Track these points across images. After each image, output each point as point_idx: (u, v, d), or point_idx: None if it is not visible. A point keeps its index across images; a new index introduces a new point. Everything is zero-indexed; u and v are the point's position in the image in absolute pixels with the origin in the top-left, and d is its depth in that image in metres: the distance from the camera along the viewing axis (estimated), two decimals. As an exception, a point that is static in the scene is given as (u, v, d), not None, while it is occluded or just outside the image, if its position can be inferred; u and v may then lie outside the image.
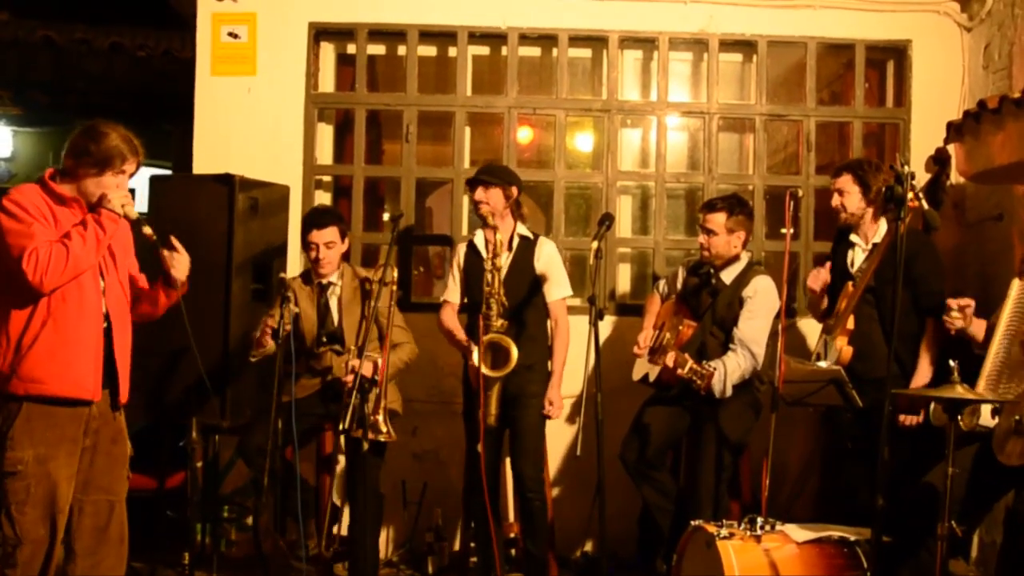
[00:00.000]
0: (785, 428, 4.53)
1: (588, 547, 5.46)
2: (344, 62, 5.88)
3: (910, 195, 3.19)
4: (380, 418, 4.24)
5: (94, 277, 3.46)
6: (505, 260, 4.67)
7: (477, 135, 6.12)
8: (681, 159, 6.04)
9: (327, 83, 5.79)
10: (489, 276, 4.50)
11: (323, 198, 5.73)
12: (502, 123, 5.68)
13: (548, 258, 4.70)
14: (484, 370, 4.46)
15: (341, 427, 4.18)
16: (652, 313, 4.97)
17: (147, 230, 3.53)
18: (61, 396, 3.37)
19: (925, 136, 5.48)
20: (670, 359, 4.41)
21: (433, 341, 5.38)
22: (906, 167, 3.23)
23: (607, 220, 4.26)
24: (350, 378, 4.16)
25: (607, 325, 5.40)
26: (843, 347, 4.25)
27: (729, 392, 4.45)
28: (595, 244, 4.08)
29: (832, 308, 4.43)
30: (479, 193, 4.64)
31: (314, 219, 4.68)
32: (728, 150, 6.03)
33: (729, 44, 5.71)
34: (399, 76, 5.72)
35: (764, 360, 4.54)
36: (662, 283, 5.09)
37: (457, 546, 5.27)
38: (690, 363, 4.30)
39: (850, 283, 4.28)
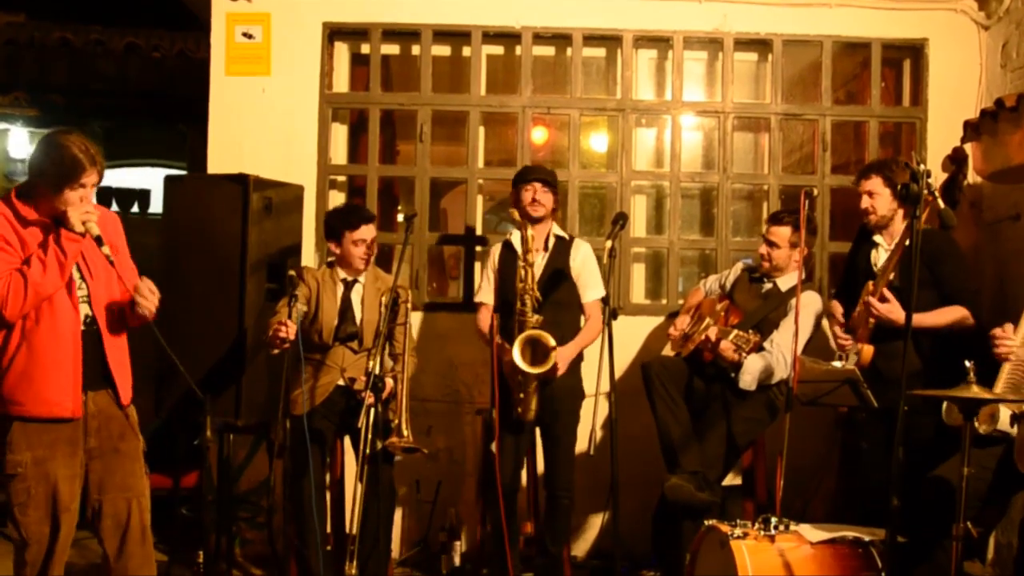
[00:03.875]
0: (801, 428, 4.51)
1: (601, 546, 5.44)
2: (358, 62, 5.89)
3: (926, 193, 3.15)
4: (404, 433, 4.28)
5: (67, 289, 3.40)
6: (540, 260, 4.69)
7: (491, 135, 6.12)
8: (696, 159, 6.02)
9: (341, 83, 5.80)
10: (523, 272, 4.49)
11: (337, 198, 5.74)
12: (516, 123, 5.68)
13: (584, 259, 4.71)
14: (523, 366, 4.44)
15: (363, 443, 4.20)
16: (691, 303, 4.98)
17: (105, 251, 3.39)
18: (40, 417, 3.36)
19: (942, 135, 5.45)
20: (713, 332, 4.46)
21: (448, 341, 5.41)
22: (922, 165, 3.20)
23: (621, 219, 4.26)
24: (370, 398, 4.12)
25: (621, 325, 5.36)
26: (864, 347, 4.22)
27: (754, 385, 4.44)
28: (609, 243, 4.07)
29: (854, 305, 4.40)
30: (539, 193, 4.66)
31: (363, 215, 4.69)
32: (743, 150, 6.01)
33: (744, 43, 5.70)
34: (413, 76, 5.72)
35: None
36: (710, 280, 5.09)
37: (471, 545, 5.27)
38: (735, 331, 4.33)
39: (871, 282, 4.25)
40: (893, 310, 4.10)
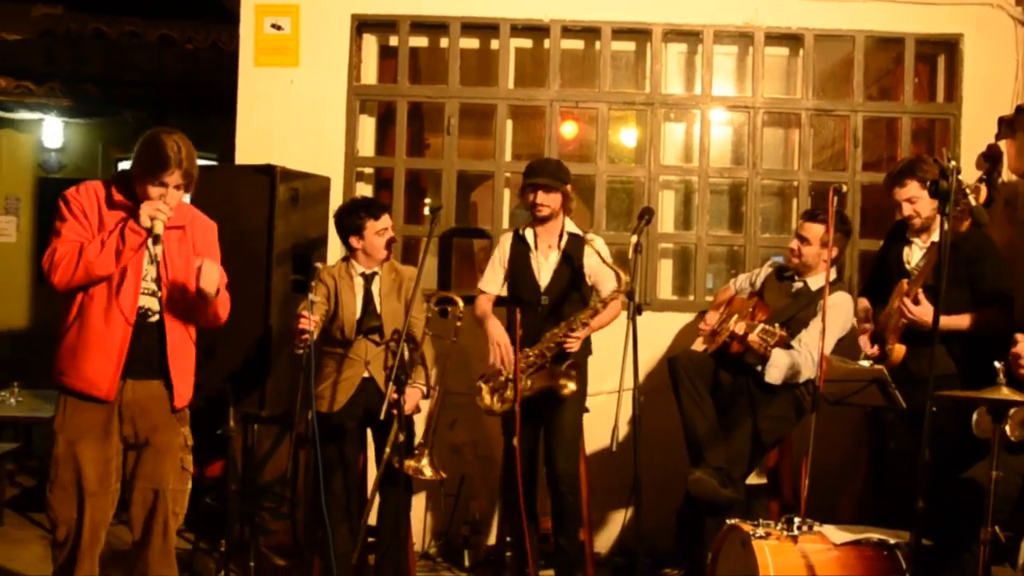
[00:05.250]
0: (829, 427, 4.46)
1: (624, 542, 5.41)
2: (386, 54, 5.88)
3: (970, 193, 3.09)
4: (425, 462, 4.30)
5: (134, 280, 3.47)
6: (554, 257, 4.68)
7: (519, 128, 6.08)
8: (725, 154, 5.97)
9: (369, 75, 5.80)
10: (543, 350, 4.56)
11: (364, 190, 5.74)
12: (544, 116, 5.65)
13: (597, 257, 4.66)
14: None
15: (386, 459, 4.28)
16: (721, 300, 4.94)
17: (157, 249, 3.46)
18: (76, 391, 3.46)
19: (976, 132, 5.38)
20: (740, 326, 4.42)
21: (473, 335, 5.37)
22: (952, 161, 3.14)
23: (647, 214, 4.21)
24: (395, 411, 4.14)
25: (646, 321, 5.33)
26: (895, 346, 4.16)
27: (781, 379, 4.40)
28: (634, 238, 4.04)
29: (881, 304, 4.35)
30: (540, 197, 4.62)
31: (383, 204, 4.69)
32: (773, 145, 5.94)
33: (775, 37, 5.64)
34: (441, 68, 5.71)
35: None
36: (740, 278, 5.04)
37: (493, 540, 5.26)
38: (762, 325, 4.29)
39: (905, 281, 4.18)
40: (927, 312, 4.03)
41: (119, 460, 3.54)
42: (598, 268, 4.65)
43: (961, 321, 4.11)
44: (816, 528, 3.61)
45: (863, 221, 5.57)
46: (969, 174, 4.97)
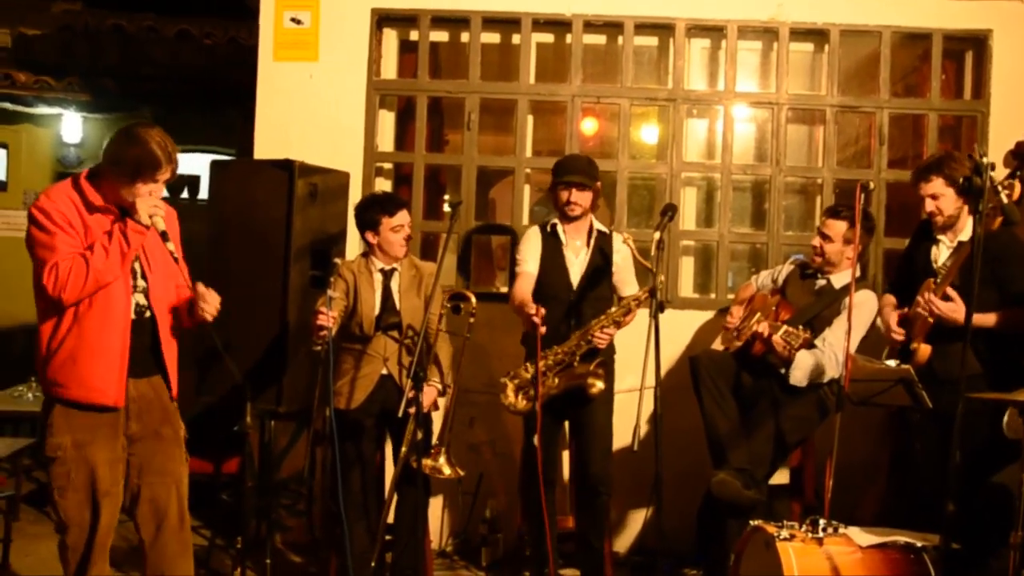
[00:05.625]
0: (852, 427, 4.40)
1: (644, 542, 5.36)
2: (407, 49, 5.84)
3: (1003, 191, 3.02)
4: (443, 460, 4.27)
5: (125, 282, 3.42)
6: (584, 255, 4.64)
7: (540, 124, 6.03)
8: (748, 151, 5.90)
9: (389, 70, 5.75)
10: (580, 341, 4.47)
11: (383, 185, 5.69)
12: (565, 112, 5.59)
13: (626, 253, 4.59)
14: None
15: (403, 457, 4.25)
16: (743, 297, 4.87)
17: (170, 246, 3.44)
18: (82, 402, 3.37)
19: (1004, 129, 5.31)
20: (764, 327, 4.35)
21: (490, 331, 5.33)
22: (984, 158, 3.07)
23: (670, 211, 4.15)
24: (412, 409, 4.11)
25: (667, 319, 5.26)
26: (921, 346, 4.09)
27: (805, 382, 4.33)
28: (657, 235, 3.98)
29: (907, 303, 4.27)
30: (575, 195, 4.57)
31: (399, 200, 4.63)
32: (797, 142, 5.87)
33: (800, 33, 5.57)
34: (462, 63, 5.67)
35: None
36: (763, 275, 4.96)
37: (512, 538, 5.21)
38: (785, 327, 4.23)
39: (932, 280, 4.11)
40: (957, 309, 3.96)
41: (125, 458, 3.49)
42: (624, 266, 4.59)
43: (987, 319, 4.03)
44: (841, 530, 3.54)
45: (888, 219, 5.49)
46: (997, 172, 4.91)
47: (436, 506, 5.32)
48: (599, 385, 4.40)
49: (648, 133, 6.56)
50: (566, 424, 4.71)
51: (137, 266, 3.47)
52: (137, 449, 3.50)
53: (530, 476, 4.49)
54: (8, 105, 9.33)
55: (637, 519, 5.31)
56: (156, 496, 3.53)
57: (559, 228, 4.68)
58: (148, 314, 3.49)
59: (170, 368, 3.57)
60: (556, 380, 4.46)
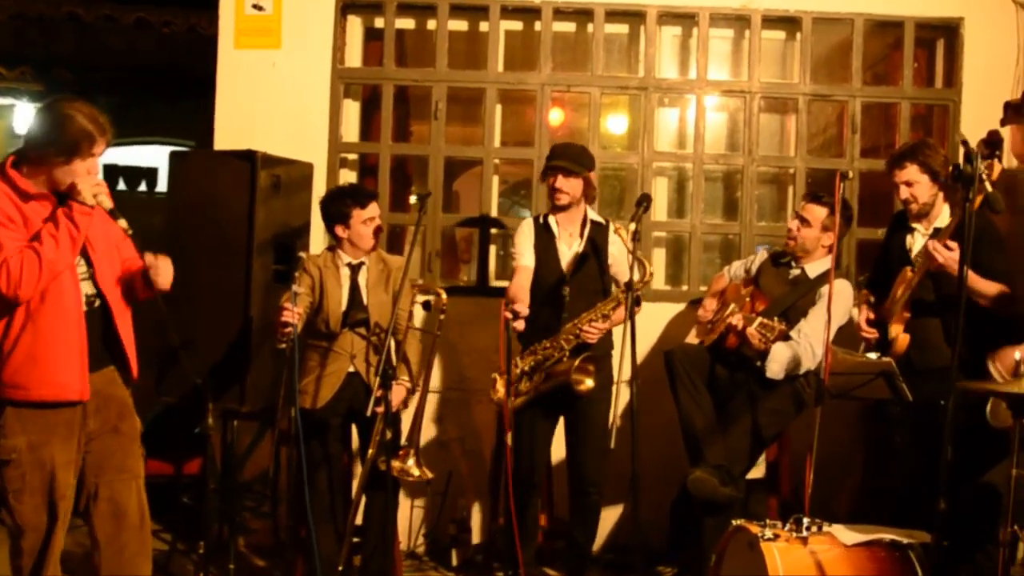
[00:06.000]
0: (825, 420, 4.29)
1: (618, 539, 5.26)
2: (372, 36, 5.68)
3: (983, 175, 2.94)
4: (411, 462, 4.15)
5: (71, 270, 3.26)
6: (577, 246, 4.51)
7: (508, 114, 5.89)
8: (720, 140, 5.82)
9: (354, 58, 5.60)
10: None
11: (348, 176, 5.55)
12: (534, 101, 5.47)
13: (621, 244, 4.48)
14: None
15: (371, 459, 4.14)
16: (716, 288, 4.77)
17: (122, 223, 3.28)
18: (46, 401, 3.23)
19: (976, 118, 5.27)
20: (737, 319, 4.25)
21: (460, 326, 5.22)
22: (971, 145, 2.99)
23: (645, 201, 4.05)
24: (380, 409, 3.99)
25: (639, 312, 5.19)
26: (899, 336, 4.02)
27: (782, 374, 4.24)
28: (633, 226, 3.89)
29: (886, 295, 4.21)
30: (560, 181, 4.44)
31: (369, 192, 4.52)
32: (768, 131, 5.79)
33: (772, 20, 5.48)
34: (428, 51, 5.52)
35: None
36: (735, 265, 4.87)
37: (481, 538, 5.11)
38: (760, 319, 4.13)
39: (908, 269, 4.04)
40: (955, 258, 3.81)
41: (80, 459, 3.34)
42: (620, 257, 4.47)
43: (989, 288, 3.94)
44: (825, 528, 3.46)
45: (860, 209, 5.42)
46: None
47: (404, 506, 5.20)
48: (587, 383, 4.29)
49: (618, 122, 6.46)
50: (562, 420, 4.59)
51: (81, 256, 3.31)
52: (95, 447, 3.36)
53: (500, 477, 4.38)
54: (-43, 95, 9.07)
55: (610, 516, 5.21)
56: (116, 494, 3.39)
57: (551, 219, 4.55)
58: (98, 303, 3.34)
59: (129, 352, 3.42)
60: (543, 376, 4.34)
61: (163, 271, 3.36)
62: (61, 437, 3.26)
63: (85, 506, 3.39)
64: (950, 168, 3.62)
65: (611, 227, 4.46)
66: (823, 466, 4.71)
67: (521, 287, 4.42)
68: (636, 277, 4.14)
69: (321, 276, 4.40)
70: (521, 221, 4.80)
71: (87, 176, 3.19)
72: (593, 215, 4.57)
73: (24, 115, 9.47)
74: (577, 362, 4.26)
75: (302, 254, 4.28)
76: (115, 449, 3.40)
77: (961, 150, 2.99)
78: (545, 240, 4.53)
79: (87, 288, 3.33)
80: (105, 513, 3.39)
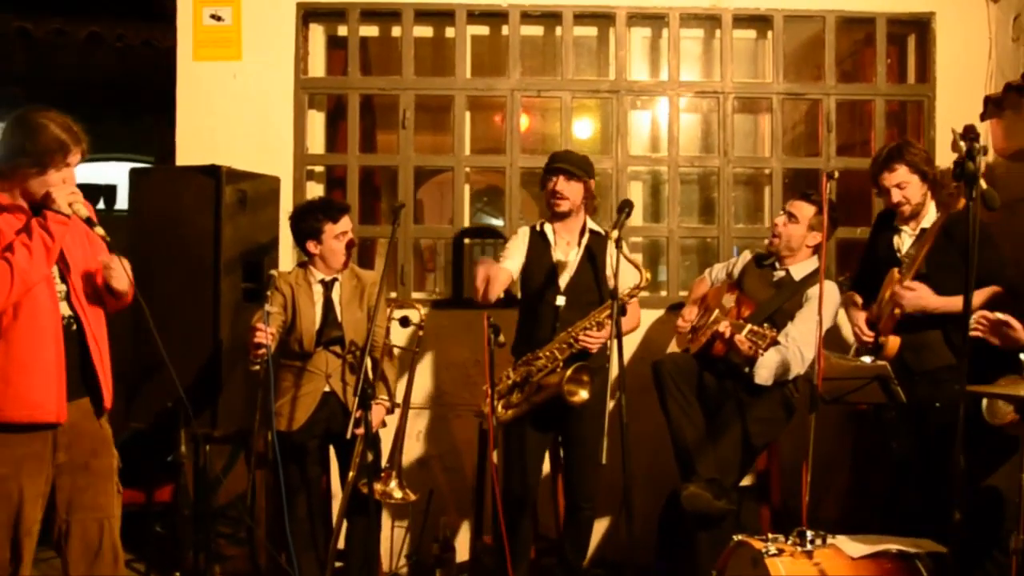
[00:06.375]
0: (806, 424, 4.23)
1: (605, 554, 5.15)
2: (335, 45, 5.53)
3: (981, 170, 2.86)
4: (394, 484, 4.05)
5: (48, 286, 3.14)
6: (574, 256, 4.37)
7: (475, 121, 5.76)
8: (694, 142, 5.73)
9: (317, 67, 5.44)
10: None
11: (316, 190, 5.40)
12: (503, 107, 5.35)
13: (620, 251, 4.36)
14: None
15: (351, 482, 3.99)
16: (697, 294, 4.66)
17: (99, 231, 3.18)
18: (19, 422, 3.08)
19: (950, 113, 5.22)
20: (724, 326, 4.12)
21: (436, 340, 5.10)
22: (976, 142, 2.91)
23: (627, 207, 3.91)
24: (360, 431, 3.86)
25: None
26: (890, 338, 3.94)
27: (771, 380, 4.14)
28: (615, 233, 3.77)
29: (872, 296, 4.13)
30: (560, 184, 4.31)
31: (341, 205, 4.38)
32: (742, 132, 5.70)
33: (743, 19, 5.40)
34: (394, 59, 5.39)
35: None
36: (716, 268, 4.75)
37: (466, 556, 4.97)
38: (749, 326, 4.00)
39: (896, 270, 3.97)
40: (922, 297, 3.83)
41: (48, 492, 3.19)
42: (621, 269, 4.35)
43: (979, 297, 3.87)
44: (829, 540, 3.35)
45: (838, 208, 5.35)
46: (944, 157, 4.81)
47: (385, 526, 5.04)
48: (581, 394, 4.17)
49: (588, 127, 6.35)
50: (550, 436, 4.47)
51: (56, 271, 3.18)
52: (64, 483, 3.21)
53: (483, 495, 4.25)
54: (-94, 117, 8.78)
55: (597, 530, 5.07)
56: (87, 532, 3.25)
57: (547, 228, 4.42)
58: (75, 326, 3.20)
59: (103, 380, 3.28)
60: (535, 388, 4.22)
61: (116, 271, 3.21)
62: (30, 470, 3.12)
63: (57, 540, 3.25)
64: (953, 164, 3.56)
65: (612, 237, 4.34)
66: (810, 471, 4.65)
67: (496, 278, 4.28)
68: (632, 284, 4.06)
69: (293, 294, 4.25)
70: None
71: (62, 185, 3.10)
72: (593, 225, 4.45)
73: (-24, 135, 9.20)
74: (570, 372, 4.14)
75: (272, 272, 4.13)
76: (86, 487, 3.25)
77: (962, 145, 2.88)
78: (540, 248, 4.40)
79: (64, 309, 3.20)
80: (77, 551, 3.26)
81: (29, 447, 3.12)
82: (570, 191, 4.32)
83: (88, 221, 3.14)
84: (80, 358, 3.22)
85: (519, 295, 4.61)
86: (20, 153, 3.07)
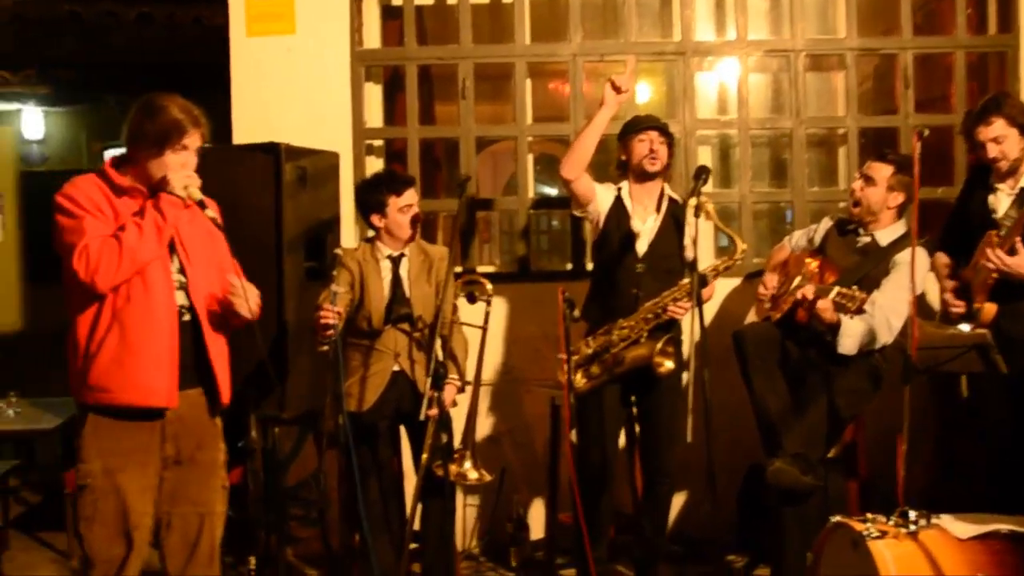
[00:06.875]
0: (889, 393, 4.06)
1: (682, 529, 5.01)
2: (390, 15, 5.39)
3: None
4: (468, 465, 3.93)
5: (164, 270, 3.10)
6: (652, 222, 4.22)
7: (535, 87, 5.59)
8: (764, 103, 5.51)
9: (372, 39, 5.30)
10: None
11: (375, 164, 5.27)
12: (563, 73, 5.18)
13: (700, 224, 4.20)
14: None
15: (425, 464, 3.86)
16: (777, 261, 4.47)
17: (210, 213, 3.13)
18: (130, 405, 3.04)
19: (1034, 65, 4.95)
20: (809, 290, 3.94)
21: (503, 314, 4.99)
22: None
23: (703, 173, 3.73)
24: (433, 412, 3.74)
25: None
26: (985, 304, 3.75)
27: (856, 350, 3.96)
28: (693, 201, 3.60)
29: (963, 260, 3.93)
30: (656, 143, 4.18)
31: (405, 178, 4.29)
32: (814, 90, 5.47)
33: (812, -28, 5.17)
34: (451, 27, 5.23)
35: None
36: (797, 235, 4.55)
37: (540, 534, 4.87)
38: (837, 288, 3.81)
39: (994, 232, 3.76)
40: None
41: (157, 485, 3.15)
42: (699, 236, 4.19)
43: None
44: (934, 520, 3.18)
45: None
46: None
47: (457, 505, 4.95)
48: (667, 364, 4.04)
49: (652, 90, 6.16)
50: (627, 408, 4.34)
51: (175, 263, 3.15)
52: (170, 475, 3.17)
53: (556, 475, 4.13)
54: (-38, 104, 8.83)
55: (674, 504, 4.94)
56: (187, 527, 3.21)
57: (623, 192, 4.27)
58: (188, 316, 3.16)
59: (219, 373, 3.23)
60: (614, 358, 4.08)
61: (239, 296, 3.16)
62: (137, 462, 3.09)
63: (156, 532, 3.21)
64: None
65: (689, 205, 4.17)
66: (892, 441, 4.47)
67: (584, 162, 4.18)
68: (723, 256, 3.90)
69: (361, 270, 4.16)
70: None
71: (180, 168, 3.09)
72: (670, 191, 4.29)
73: (32, 120, 9.24)
74: (660, 344, 4.00)
75: (337, 250, 4.02)
76: (191, 480, 3.20)
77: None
78: (619, 212, 4.25)
79: (180, 299, 3.16)
80: (176, 545, 3.22)
81: (137, 439, 3.09)
82: (663, 151, 4.19)
83: (200, 204, 3.11)
84: (194, 349, 3.17)
85: (590, 260, 4.44)
86: (140, 135, 3.07)
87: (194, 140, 3.12)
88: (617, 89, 4.05)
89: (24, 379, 6.34)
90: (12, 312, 9.17)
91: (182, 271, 3.17)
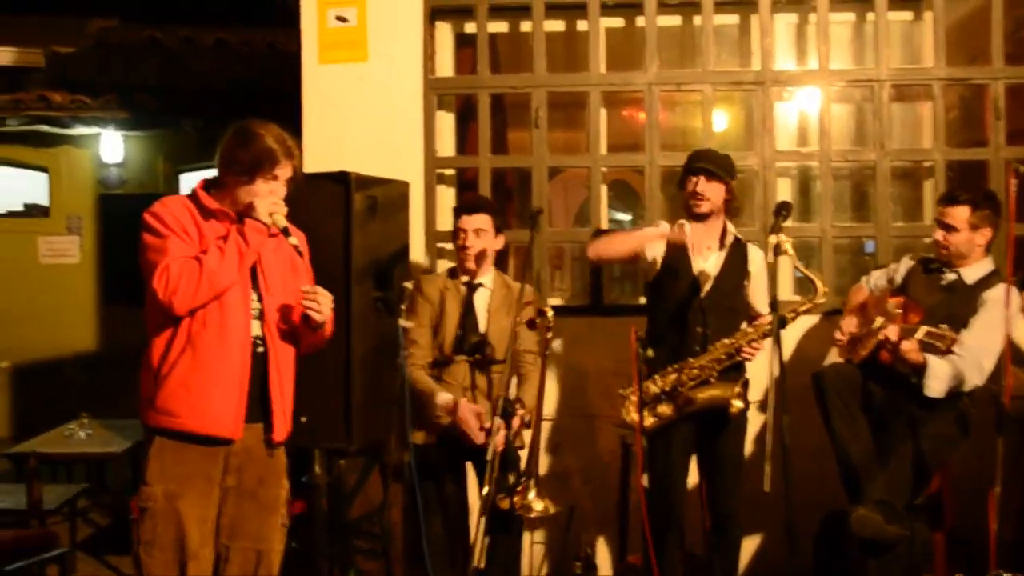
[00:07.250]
0: (978, 440, 3.86)
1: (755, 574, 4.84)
2: (463, 43, 5.35)
3: None
4: (532, 495, 3.78)
5: (243, 298, 3.09)
6: (715, 260, 4.09)
7: (613, 116, 5.50)
8: (846, 134, 5.34)
9: (445, 67, 5.27)
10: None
11: (446, 194, 5.22)
12: (638, 102, 5.08)
13: (761, 264, 4.09)
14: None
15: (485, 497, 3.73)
16: (855, 302, 4.31)
17: (293, 241, 3.13)
18: (195, 432, 3.02)
19: None
20: (892, 331, 3.77)
21: (574, 348, 4.87)
22: None
23: (784, 210, 3.58)
24: (499, 438, 3.65)
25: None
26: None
27: (944, 393, 3.78)
28: (773, 239, 3.45)
29: None
30: (701, 184, 4.04)
31: (465, 203, 4.30)
32: (897, 122, 5.29)
33: (897, -1, 5.00)
34: (524, 55, 5.17)
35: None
36: (875, 274, 4.39)
37: (608, 573, 4.75)
38: (925, 328, 3.65)
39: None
40: None
41: (216, 516, 3.12)
42: (759, 278, 4.07)
43: None
44: (1031, 583, 3.00)
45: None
46: None
47: (524, 542, 4.83)
48: (739, 404, 3.91)
49: (734, 121, 6.02)
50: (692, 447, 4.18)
51: (253, 292, 3.14)
52: (229, 508, 3.14)
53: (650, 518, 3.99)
54: (45, 127, 8.98)
55: (748, 547, 4.79)
56: (246, 563, 3.18)
57: (686, 228, 4.14)
58: (262, 349, 3.14)
59: (277, 408, 3.17)
60: (684, 398, 3.95)
61: (314, 301, 3.15)
62: (198, 491, 3.06)
63: (216, 565, 3.18)
64: None
65: (752, 247, 4.04)
66: (978, 490, 4.25)
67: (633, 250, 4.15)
68: (804, 296, 3.77)
69: (442, 298, 4.11)
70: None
71: (268, 196, 3.09)
72: (733, 229, 4.16)
73: (111, 143, 9.40)
74: (738, 387, 3.88)
75: (407, 284, 3.97)
76: (250, 516, 3.17)
77: None
78: (678, 251, 4.12)
79: (255, 329, 3.14)
80: None
81: (200, 466, 3.06)
82: (711, 192, 4.03)
83: (284, 231, 3.11)
84: (261, 383, 3.15)
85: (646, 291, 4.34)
86: (232, 161, 3.09)
87: (285, 171, 3.12)
88: (676, 237, 4.01)
89: (97, 400, 6.39)
90: (88, 333, 9.33)
91: (260, 299, 3.15)
